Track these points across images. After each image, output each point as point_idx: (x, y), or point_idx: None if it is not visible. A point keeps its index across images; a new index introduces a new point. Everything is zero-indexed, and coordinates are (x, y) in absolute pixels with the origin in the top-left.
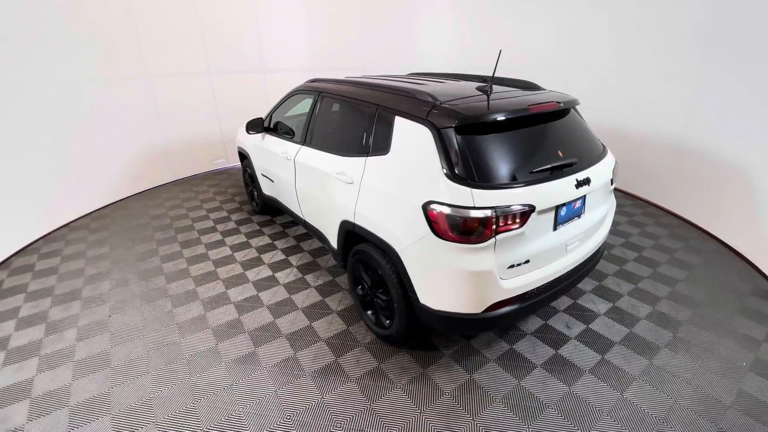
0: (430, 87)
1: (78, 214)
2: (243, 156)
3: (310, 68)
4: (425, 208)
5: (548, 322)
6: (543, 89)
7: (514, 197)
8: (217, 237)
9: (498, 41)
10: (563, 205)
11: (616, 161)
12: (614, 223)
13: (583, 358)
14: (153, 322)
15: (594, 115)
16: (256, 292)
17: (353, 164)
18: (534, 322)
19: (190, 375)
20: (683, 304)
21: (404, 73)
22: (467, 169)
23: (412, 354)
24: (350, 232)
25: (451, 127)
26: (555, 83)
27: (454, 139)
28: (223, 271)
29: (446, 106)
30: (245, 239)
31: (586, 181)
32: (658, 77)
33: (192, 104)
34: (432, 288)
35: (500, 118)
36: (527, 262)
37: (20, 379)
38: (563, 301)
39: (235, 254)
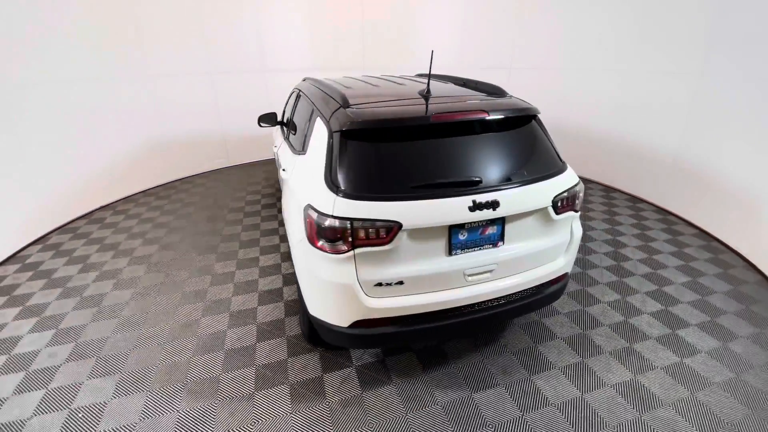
0: (358, 88)
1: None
2: None
3: (311, 68)
4: (305, 211)
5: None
6: (505, 96)
7: (378, 211)
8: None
9: (500, 41)
10: (459, 227)
11: (577, 186)
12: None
13: None
14: None
15: (600, 117)
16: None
17: (291, 163)
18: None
19: None
20: None
21: (413, 74)
22: (340, 175)
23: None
24: None
25: (339, 131)
26: (556, 83)
27: (341, 143)
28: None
29: (347, 110)
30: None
31: (490, 205)
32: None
33: (193, 103)
34: (309, 293)
35: (385, 126)
36: (401, 283)
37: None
38: None
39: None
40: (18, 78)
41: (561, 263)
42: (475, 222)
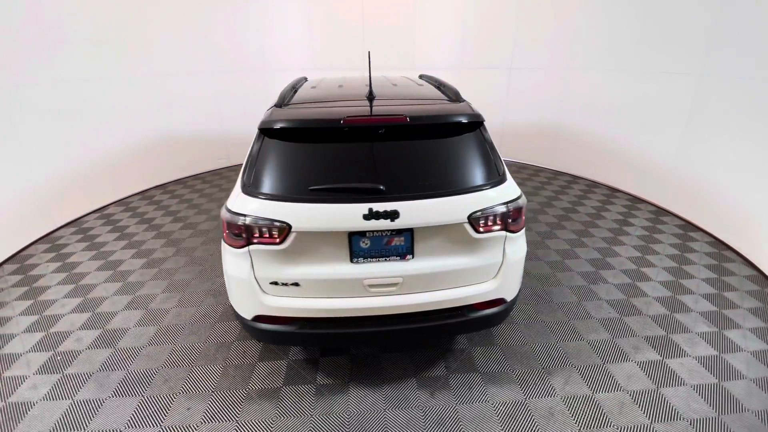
0: (321, 89)
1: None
2: None
3: (312, 68)
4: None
5: None
6: (459, 101)
7: (268, 210)
8: None
9: (500, 42)
10: (360, 235)
11: (512, 203)
12: None
13: None
14: None
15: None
16: None
17: None
18: None
19: None
20: None
21: (416, 74)
22: (252, 173)
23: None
24: None
25: (258, 129)
26: (556, 83)
27: (259, 142)
28: None
29: (278, 109)
30: None
31: (388, 215)
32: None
33: (194, 102)
34: (226, 284)
35: (295, 126)
36: (296, 285)
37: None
38: None
39: None
40: (19, 78)
41: (490, 287)
42: (377, 231)
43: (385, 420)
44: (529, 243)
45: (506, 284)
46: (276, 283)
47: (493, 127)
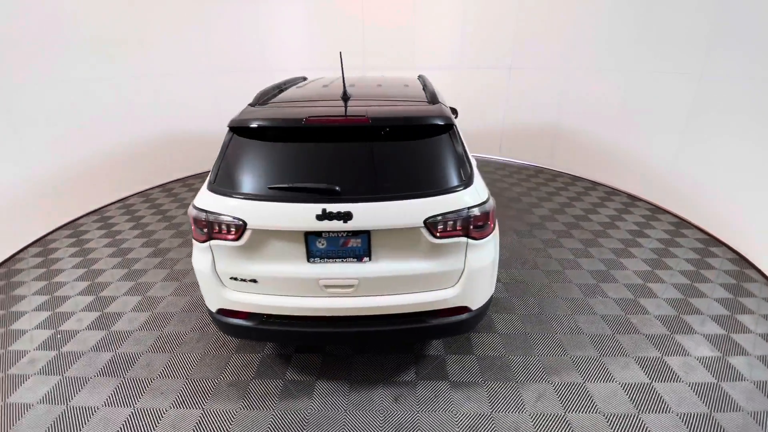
0: (308, 89)
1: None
2: None
3: (312, 68)
4: None
5: None
6: (434, 103)
7: (225, 206)
8: None
9: (500, 42)
10: (317, 235)
11: (476, 208)
12: None
13: None
14: None
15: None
16: None
17: None
18: None
19: None
20: None
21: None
22: (219, 170)
23: None
24: None
25: (227, 127)
26: (556, 83)
27: (228, 140)
28: None
29: (250, 108)
30: None
31: (342, 216)
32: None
33: (194, 102)
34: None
35: (257, 126)
36: (254, 281)
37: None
38: None
39: None
40: (22, 78)
41: (451, 294)
42: (333, 232)
43: (345, 420)
44: (526, 241)
45: (470, 292)
46: (235, 279)
47: (492, 126)
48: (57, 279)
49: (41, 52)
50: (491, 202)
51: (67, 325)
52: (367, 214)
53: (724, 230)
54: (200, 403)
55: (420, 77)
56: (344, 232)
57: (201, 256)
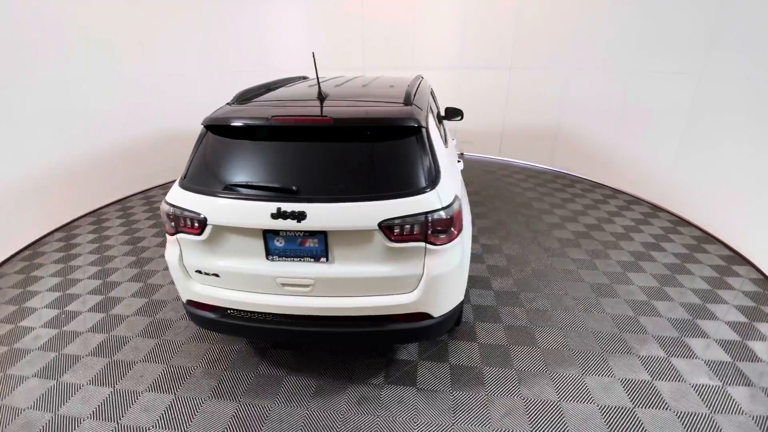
0: (296, 89)
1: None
2: None
3: (311, 68)
4: None
5: None
6: (407, 105)
7: (189, 202)
8: None
9: (500, 41)
10: (275, 234)
11: (435, 213)
12: None
13: None
14: None
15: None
16: None
17: None
18: None
19: None
20: None
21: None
22: (187, 166)
23: None
24: None
25: (202, 125)
26: (556, 83)
27: (202, 137)
28: None
29: (226, 106)
30: None
31: (295, 216)
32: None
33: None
34: None
35: (225, 124)
36: (216, 275)
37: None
38: None
39: None
40: (24, 78)
41: (409, 299)
42: (290, 231)
43: (305, 419)
44: (527, 240)
45: (430, 299)
46: (200, 272)
47: (492, 127)
48: (73, 262)
49: (39, 53)
50: (456, 206)
51: (73, 306)
52: (321, 215)
53: (717, 226)
54: (174, 389)
55: (417, 78)
56: (301, 231)
57: (171, 248)
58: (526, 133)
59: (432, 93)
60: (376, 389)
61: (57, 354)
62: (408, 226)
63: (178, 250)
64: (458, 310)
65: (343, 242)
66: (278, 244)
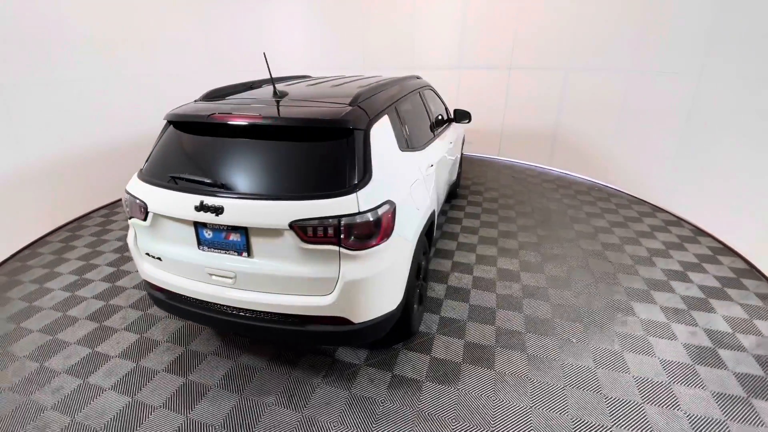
0: (288, 88)
1: None
2: None
3: (312, 68)
4: None
5: None
6: (350, 106)
7: (137, 190)
8: None
9: (499, 41)
10: (203, 225)
11: (353, 217)
12: None
13: None
14: None
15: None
16: None
17: None
18: None
19: None
20: None
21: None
22: (147, 158)
23: None
24: None
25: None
26: (555, 83)
27: (162, 131)
28: None
29: (191, 103)
30: None
31: (215, 210)
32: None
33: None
34: None
35: (177, 120)
36: (159, 259)
37: None
38: None
39: None
40: (26, 78)
41: (325, 302)
42: (216, 224)
43: (233, 405)
44: (523, 239)
45: (347, 304)
46: (149, 255)
47: (492, 126)
48: (105, 237)
49: (40, 53)
50: (382, 211)
51: (90, 275)
52: (237, 210)
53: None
54: (138, 358)
55: (404, 78)
56: (225, 225)
57: (130, 232)
58: (526, 133)
59: (422, 95)
60: (311, 387)
61: (61, 314)
62: (321, 229)
63: (133, 233)
64: (390, 319)
65: (263, 239)
66: (207, 236)
